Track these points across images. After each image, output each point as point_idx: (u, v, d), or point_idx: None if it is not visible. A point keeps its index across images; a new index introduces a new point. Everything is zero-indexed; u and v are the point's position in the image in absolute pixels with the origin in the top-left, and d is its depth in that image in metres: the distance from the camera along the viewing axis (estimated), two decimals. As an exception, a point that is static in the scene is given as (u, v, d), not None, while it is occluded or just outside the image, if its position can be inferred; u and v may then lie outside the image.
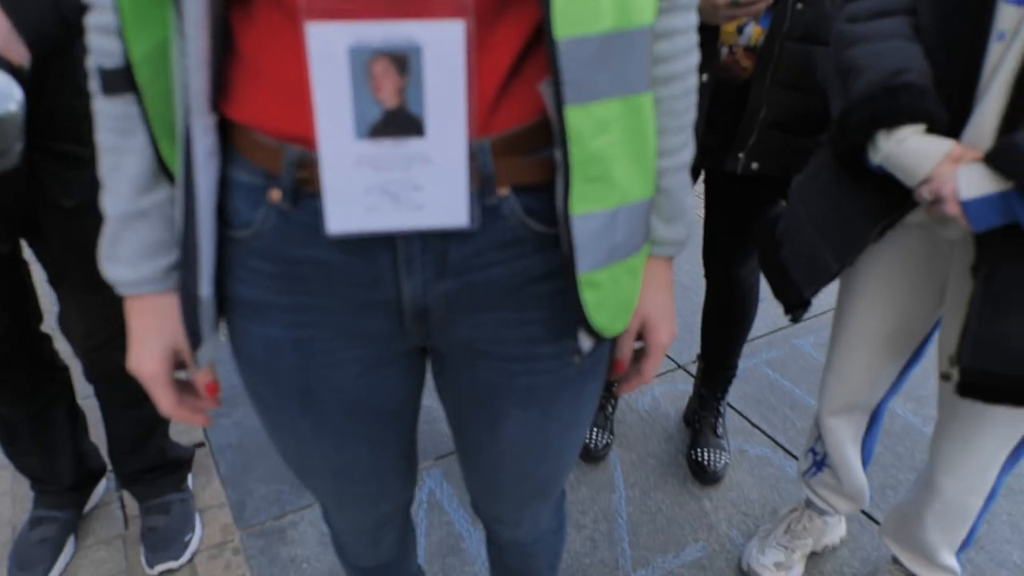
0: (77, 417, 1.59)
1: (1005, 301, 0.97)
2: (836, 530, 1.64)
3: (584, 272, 0.66)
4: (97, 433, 1.66)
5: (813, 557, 1.63)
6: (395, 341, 0.74)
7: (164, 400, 0.73)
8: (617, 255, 0.68)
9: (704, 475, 1.82)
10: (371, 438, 0.83)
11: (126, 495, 1.75)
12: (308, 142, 0.60)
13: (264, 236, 0.66)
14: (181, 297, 0.70)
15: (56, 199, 1.21)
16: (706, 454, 1.84)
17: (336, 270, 0.66)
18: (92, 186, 1.17)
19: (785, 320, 2.47)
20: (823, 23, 1.26)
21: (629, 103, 0.63)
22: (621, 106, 0.63)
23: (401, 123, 0.59)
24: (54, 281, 1.36)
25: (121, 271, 0.70)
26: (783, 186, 1.43)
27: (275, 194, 0.63)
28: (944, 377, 1.12)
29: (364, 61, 0.56)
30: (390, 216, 0.62)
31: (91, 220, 1.18)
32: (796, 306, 1.23)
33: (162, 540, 1.62)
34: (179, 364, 0.75)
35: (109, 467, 1.71)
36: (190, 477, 1.78)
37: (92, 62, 0.65)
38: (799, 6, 1.26)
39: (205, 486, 1.81)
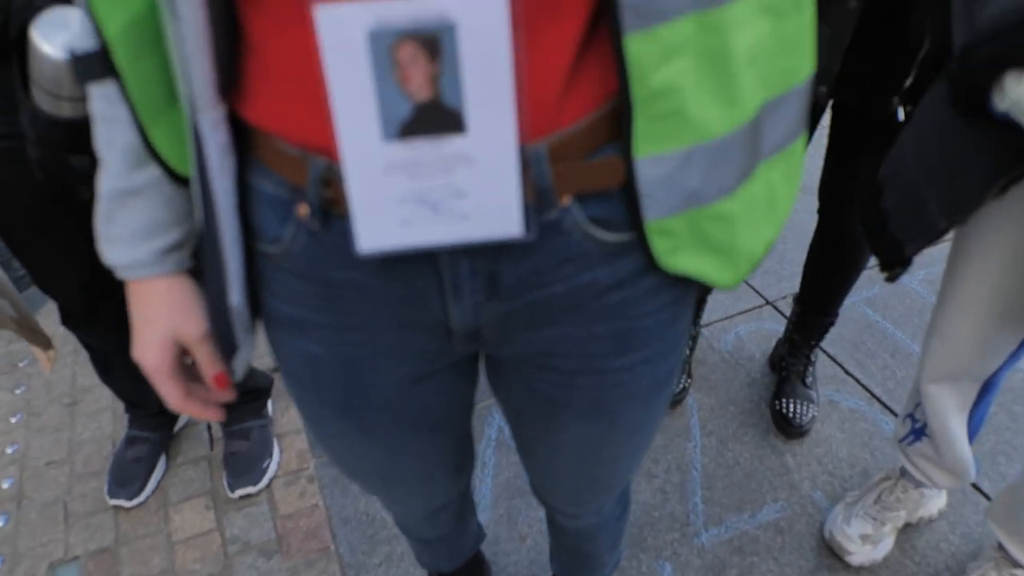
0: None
1: None
2: (934, 502, 1.50)
3: (653, 220, 0.55)
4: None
5: (906, 528, 1.50)
6: (443, 356, 0.68)
7: (170, 394, 0.68)
8: (696, 202, 0.56)
9: (788, 428, 1.70)
10: (421, 447, 0.78)
11: (212, 418, 1.85)
12: (334, 152, 0.52)
13: (295, 256, 0.59)
14: (209, 309, 0.66)
15: None
16: (792, 405, 1.71)
17: (376, 293, 0.59)
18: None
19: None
20: None
21: (705, 19, 0.49)
22: (695, 25, 0.48)
23: (436, 118, 0.48)
24: None
25: (117, 253, 0.65)
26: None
27: (303, 209, 0.55)
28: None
29: (387, 47, 0.46)
30: (430, 229, 0.53)
31: None
32: (894, 263, 1.06)
33: (242, 465, 1.70)
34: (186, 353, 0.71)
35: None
36: (270, 403, 1.83)
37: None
38: None
39: (284, 411, 1.85)
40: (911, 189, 0.99)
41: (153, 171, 0.62)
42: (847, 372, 1.89)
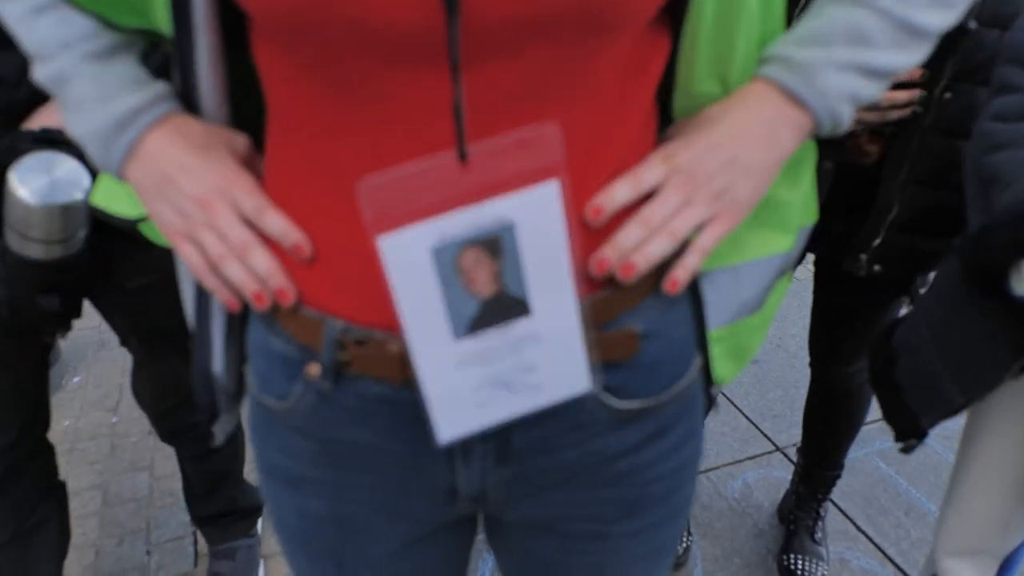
0: (64, 544, 1.43)
1: None
2: None
3: (713, 329, 0.63)
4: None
5: None
6: (442, 517, 0.66)
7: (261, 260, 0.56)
8: (744, 312, 0.64)
9: (798, 587, 1.62)
10: None
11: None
12: (351, 318, 0.53)
13: (301, 414, 0.58)
14: (194, 372, 0.63)
15: (120, 280, 1.19)
16: (800, 562, 1.64)
17: (384, 454, 0.59)
18: (158, 267, 1.14)
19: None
20: (973, 114, 1.07)
21: None
22: None
23: (503, 309, 0.50)
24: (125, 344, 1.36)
25: (115, 106, 0.54)
26: (906, 284, 1.24)
27: (314, 369, 0.55)
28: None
29: (451, 258, 0.47)
30: (506, 405, 0.54)
31: (153, 299, 1.18)
32: (909, 435, 1.04)
33: None
34: None
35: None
36: (260, 522, 1.77)
37: None
38: (947, 95, 1.08)
39: (273, 531, 1.79)
40: (926, 362, 0.99)
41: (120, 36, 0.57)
42: (859, 528, 1.82)
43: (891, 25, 0.53)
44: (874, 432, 2.13)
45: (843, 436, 1.58)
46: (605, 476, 0.61)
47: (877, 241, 1.20)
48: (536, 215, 0.48)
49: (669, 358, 0.59)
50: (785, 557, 1.67)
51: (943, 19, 0.55)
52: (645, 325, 0.56)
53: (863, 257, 1.22)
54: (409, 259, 0.47)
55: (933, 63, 1.00)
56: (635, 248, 0.52)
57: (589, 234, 0.52)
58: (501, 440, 0.57)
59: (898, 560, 1.74)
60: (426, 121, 0.47)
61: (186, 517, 1.81)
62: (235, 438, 1.54)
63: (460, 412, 0.53)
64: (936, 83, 1.09)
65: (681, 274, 0.55)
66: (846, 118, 0.56)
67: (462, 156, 0.45)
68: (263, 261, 0.53)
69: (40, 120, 1.00)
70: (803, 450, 1.69)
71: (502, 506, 0.63)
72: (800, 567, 1.64)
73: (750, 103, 0.55)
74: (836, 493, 1.87)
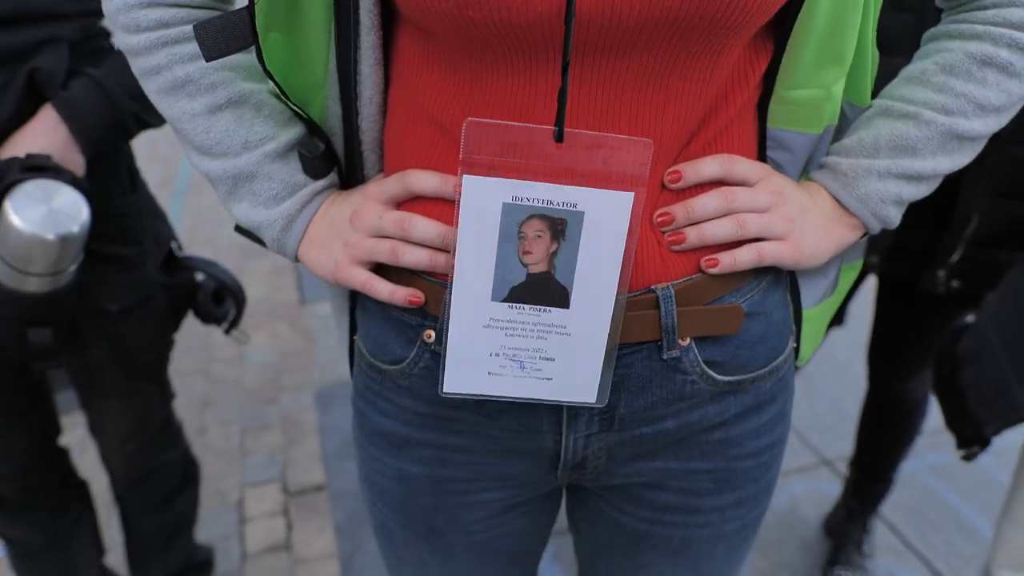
0: (99, 540, 1.44)
1: None
2: None
3: (807, 309, 0.69)
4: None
5: None
6: (540, 484, 0.70)
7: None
8: (828, 294, 0.71)
9: (845, 601, 1.61)
10: None
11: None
12: None
13: (415, 376, 0.63)
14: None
15: (100, 303, 1.13)
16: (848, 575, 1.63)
17: (490, 416, 0.62)
18: (137, 289, 1.15)
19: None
20: None
21: None
22: None
23: (545, 291, 0.54)
24: (88, 388, 1.26)
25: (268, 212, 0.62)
26: (978, 299, 1.23)
27: (430, 334, 0.60)
28: None
29: (518, 220, 0.51)
30: (512, 383, 0.57)
31: (133, 323, 1.16)
32: (972, 442, 1.04)
33: None
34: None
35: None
36: None
37: None
38: None
39: (318, 534, 1.82)
40: (994, 368, 0.98)
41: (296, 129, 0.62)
42: (907, 544, 1.80)
43: (936, 135, 0.58)
44: (925, 446, 2.09)
45: (898, 450, 1.56)
46: (700, 447, 0.65)
47: (956, 257, 1.18)
48: (606, 216, 0.51)
49: (769, 335, 0.63)
50: (832, 570, 1.66)
51: (991, 125, 0.59)
52: (749, 304, 0.61)
53: (941, 274, 1.21)
54: (482, 206, 0.51)
55: None
56: (702, 218, 0.56)
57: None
58: (607, 408, 0.60)
59: (948, 575, 1.71)
60: (539, 103, 0.52)
61: (232, 517, 1.85)
62: (194, 480, 1.46)
63: (470, 371, 0.56)
64: None
65: (726, 260, 0.57)
66: (893, 218, 0.62)
67: (559, 137, 0.49)
68: (424, 226, 0.57)
69: (18, 146, 0.92)
70: (855, 463, 1.68)
71: (599, 474, 0.66)
72: (848, 581, 1.62)
73: (814, 195, 0.62)
74: (885, 507, 1.85)
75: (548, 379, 0.57)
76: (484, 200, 0.51)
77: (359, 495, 1.88)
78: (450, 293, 0.54)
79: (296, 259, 0.64)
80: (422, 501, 0.69)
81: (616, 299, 0.54)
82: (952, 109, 0.58)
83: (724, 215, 0.57)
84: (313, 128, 0.60)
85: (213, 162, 0.61)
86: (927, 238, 1.22)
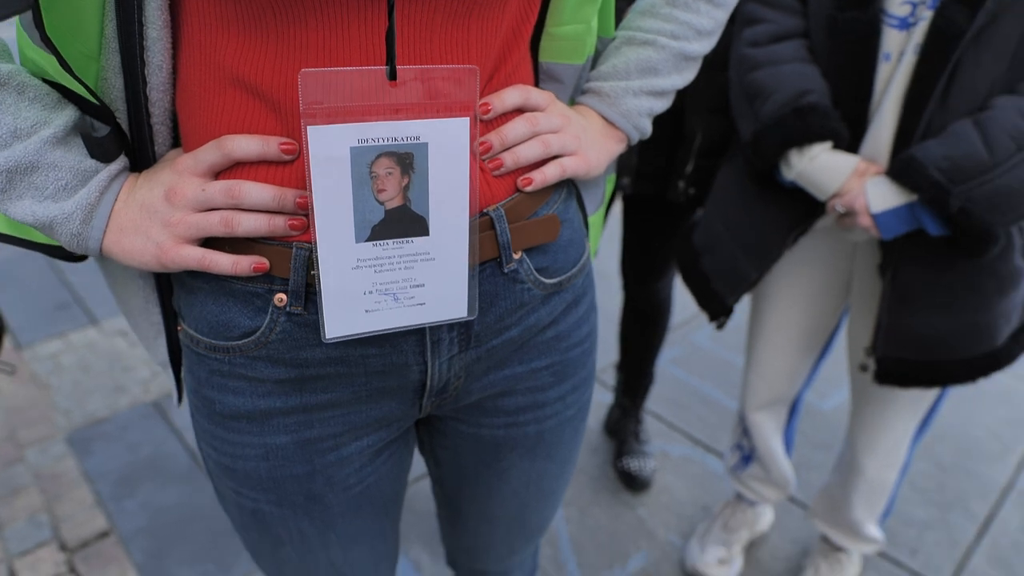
0: None
1: (910, 295, 1.07)
2: (765, 518, 1.73)
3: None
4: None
5: (749, 547, 1.71)
6: (404, 420, 0.73)
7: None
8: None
9: (634, 484, 1.87)
10: (374, 532, 0.80)
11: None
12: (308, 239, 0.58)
13: (271, 344, 0.62)
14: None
15: None
16: (634, 462, 1.89)
17: (355, 364, 0.64)
18: None
19: (681, 317, 2.59)
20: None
21: None
22: None
23: (404, 223, 0.57)
24: None
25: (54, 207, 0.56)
26: (701, 202, 1.49)
27: (282, 298, 0.60)
28: (862, 368, 1.21)
29: (367, 162, 0.54)
30: (390, 316, 0.60)
31: None
32: (720, 313, 1.29)
33: None
34: None
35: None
36: None
37: None
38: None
39: (118, 579, 1.66)
40: (725, 251, 1.23)
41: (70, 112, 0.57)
42: (671, 426, 2.13)
43: (670, 56, 0.73)
44: (666, 343, 2.47)
45: (656, 343, 1.84)
46: (537, 347, 0.73)
47: (690, 167, 1.42)
48: (448, 142, 0.56)
49: (575, 238, 0.73)
50: (620, 462, 1.92)
51: (706, 46, 0.76)
52: (558, 214, 0.70)
53: (680, 184, 1.45)
54: (330, 153, 0.53)
55: None
56: (514, 143, 0.64)
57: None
58: (464, 327, 0.66)
59: (706, 442, 2.07)
60: (353, 49, 0.54)
61: None
62: None
63: (348, 313, 0.59)
64: None
65: (538, 177, 0.66)
66: (647, 128, 0.76)
67: (392, 75, 0.53)
68: (257, 191, 0.56)
69: None
70: (621, 366, 1.94)
71: (457, 396, 0.72)
72: (634, 467, 1.89)
73: (586, 116, 0.73)
74: (648, 401, 2.16)
75: (421, 304, 0.60)
76: (331, 148, 0.52)
77: (149, 531, 1.75)
78: (315, 245, 0.55)
79: (100, 253, 0.59)
80: (295, 470, 0.69)
81: (469, 220, 0.59)
82: (679, 35, 0.72)
83: (530, 138, 0.64)
84: (91, 107, 0.56)
85: None
86: (663, 159, 1.46)
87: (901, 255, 1.05)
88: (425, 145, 0.55)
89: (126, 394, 2.25)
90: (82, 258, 0.66)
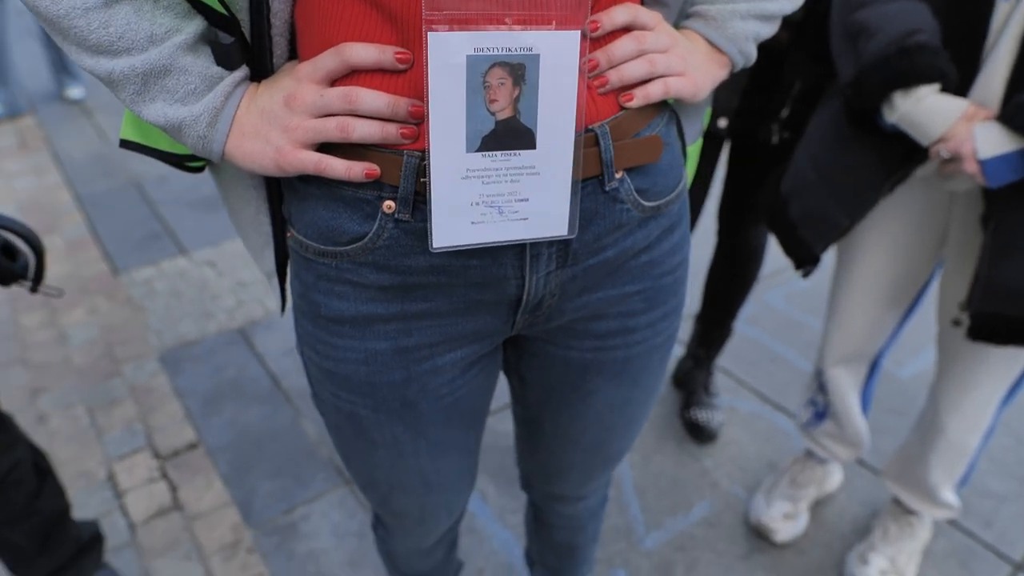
0: None
1: (1012, 248, 1.03)
2: (834, 477, 1.72)
3: (689, 145, 0.79)
4: None
5: (815, 505, 1.70)
6: (497, 336, 0.74)
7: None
8: (699, 135, 0.83)
9: (701, 435, 1.88)
10: (460, 443, 0.84)
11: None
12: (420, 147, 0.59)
13: (377, 250, 0.64)
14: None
15: None
16: (702, 414, 1.90)
17: (456, 274, 0.65)
18: None
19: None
20: None
21: None
22: None
23: (513, 135, 0.58)
24: None
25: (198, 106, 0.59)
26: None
27: (390, 205, 0.61)
28: (954, 323, 1.18)
29: (481, 71, 0.54)
30: (494, 229, 0.61)
31: None
32: (807, 262, 1.27)
33: None
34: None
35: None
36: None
37: None
38: None
39: (206, 488, 1.77)
40: (815, 197, 1.20)
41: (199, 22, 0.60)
42: (739, 381, 2.12)
43: None
44: (735, 303, 2.45)
45: (740, 296, 1.82)
46: (631, 271, 0.74)
47: (785, 112, 1.40)
48: (558, 56, 0.56)
49: (675, 163, 0.73)
50: (687, 412, 1.92)
51: None
52: (662, 136, 0.70)
53: (774, 127, 1.42)
54: (448, 60, 0.54)
55: None
56: (620, 60, 0.63)
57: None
58: (564, 243, 0.66)
59: (774, 399, 2.05)
60: None
61: (106, 494, 1.74)
62: (49, 471, 1.34)
63: (455, 223, 0.60)
64: None
65: (640, 93, 0.65)
66: (753, 54, 0.73)
67: None
68: (372, 98, 0.57)
69: None
70: (701, 317, 1.93)
71: (551, 316, 0.73)
72: (702, 418, 1.89)
73: (691, 39, 0.71)
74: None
75: (524, 219, 0.61)
76: (449, 55, 0.53)
77: (234, 447, 1.85)
78: (428, 152, 0.56)
79: (223, 156, 0.62)
80: (392, 376, 0.72)
81: (575, 135, 0.60)
82: None
83: (637, 56, 0.64)
84: (219, 18, 0.58)
85: (115, 60, 0.57)
86: (761, 100, 1.43)
87: (1006, 205, 1.01)
88: (537, 57, 0.55)
89: (213, 320, 2.36)
90: (199, 169, 0.70)
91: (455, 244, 0.61)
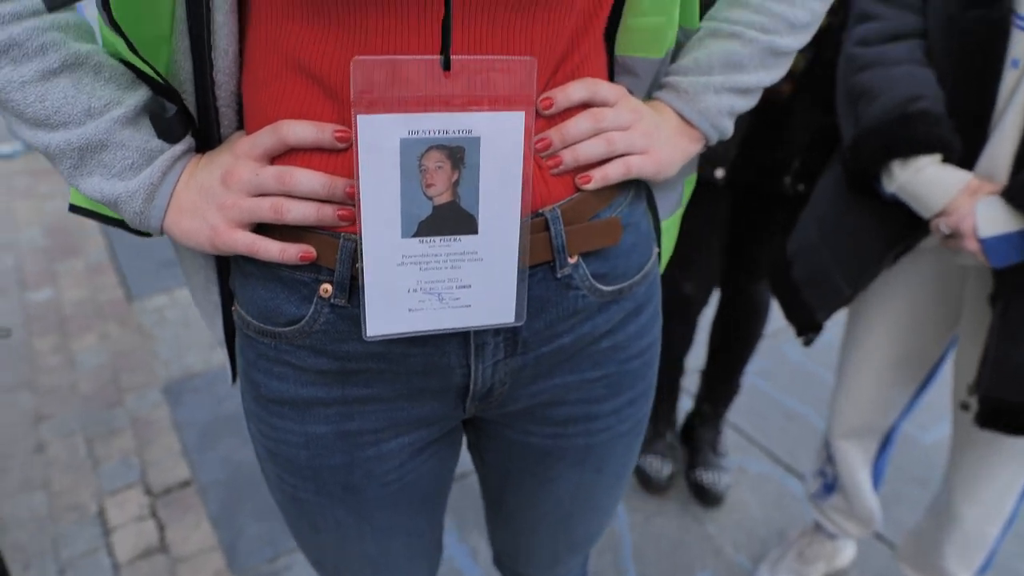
0: None
1: (1022, 331, 0.95)
2: (845, 552, 1.61)
3: (662, 220, 0.75)
4: None
5: (823, 579, 1.60)
6: (447, 421, 0.71)
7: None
8: (676, 207, 0.78)
9: (706, 497, 1.79)
10: (410, 528, 0.79)
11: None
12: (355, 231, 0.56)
13: (314, 334, 0.61)
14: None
15: None
16: (707, 475, 1.81)
17: (397, 362, 0.62)
18: None
19: (771, 328, 2.46)
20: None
21: None
22: None
23: (452, 220, 0.54)
24: None
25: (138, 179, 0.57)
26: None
27: (327, 289, 0.58)
28: (963, 407, 1.09)
29: (417, 154, 0.51)
30: (434, 316, 0.58)
31: None
32: (808, 329, 1.20)
33: None
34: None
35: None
36: None
37: None
38: (844, 34, 1.22)
39: (194, 528, 1.74)
40: (817, 262, 1.13)
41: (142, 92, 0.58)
42: (750, 440, 2.03)
43: (757, 51, 0.66)
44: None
45: (746, 351, 1.75)
46: (592, 357, 0.69)
47: (797, 163, 1.33)
48: (501, 137, 0.53)
49: (639, 244, 0.68)
50: (693, 473, 1.84)
51: (799, 40, 0.68)
52: (621, 217, 0.65)
53: (787, 179, 1.36)
54: (380, 144, 0.51)
55: None
56: (575, 140, 0.59)
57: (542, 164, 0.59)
58: (512, 332, 0.63)
59: (787, 460, 1.95)
60: (412, 39, 0.51)
61: (95, 530, 1.73)
62: None
63: (391, 311, 0.57)
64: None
65: (598, 175, 0.61)
66: (728, 128, 0.69)
67: (446, 64, 0.50)
68: (308, 178, 0.55)
69: None
70: (706, 372, 1.85)
71: (504, 403, 0.69)
72: (708, 480, 1.80)
73: (660, 112, 0.67)
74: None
75: (467, 306, 0.58)
76: (381, 138, 0.50)
77: (227, 483, 1.82)
78: (360, 238, 0.53)
79: (161, 232, 0.60)
80: (334, 461, 0.68)
81: (520, 220, 0.56)
82: (769, 28, 0.65)
83: (594, 135, 0.60)
84: (161, 88, 0.56)
85: (52, 134, 0.55)
86: (763, 152, 1.36)
87: (1014, 286, 0.93)
88: (477, 139, 0.52)
89: (218, 352, 2.36)
90: (148, 234, 0.67)
91: (391, 332, 0.58)
